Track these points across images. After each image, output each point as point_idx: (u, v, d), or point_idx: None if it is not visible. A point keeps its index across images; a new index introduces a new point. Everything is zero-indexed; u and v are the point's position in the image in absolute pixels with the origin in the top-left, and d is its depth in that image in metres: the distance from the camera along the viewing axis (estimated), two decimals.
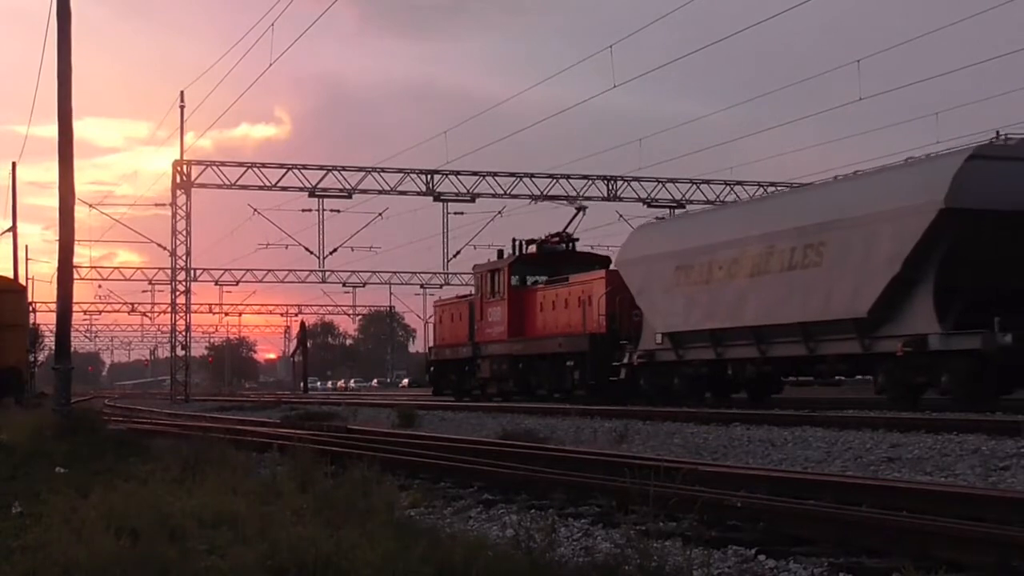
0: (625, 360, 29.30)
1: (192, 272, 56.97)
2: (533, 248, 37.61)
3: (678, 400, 26.64)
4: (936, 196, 20.00)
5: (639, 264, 29.25)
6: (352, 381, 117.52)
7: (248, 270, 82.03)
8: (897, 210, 20.94)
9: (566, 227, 38.49)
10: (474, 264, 42.34)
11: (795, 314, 23.32)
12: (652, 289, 28.44)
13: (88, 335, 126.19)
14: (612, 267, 32.32)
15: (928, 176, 20.82)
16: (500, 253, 39.22)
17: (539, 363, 34.99)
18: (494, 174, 52.71)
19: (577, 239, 38.31)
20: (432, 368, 43.86)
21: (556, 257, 36.61)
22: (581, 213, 38.90)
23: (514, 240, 38.39)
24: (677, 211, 50.83)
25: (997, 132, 21.04)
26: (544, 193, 53.19)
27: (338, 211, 55.14)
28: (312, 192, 51.23)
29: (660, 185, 53.92)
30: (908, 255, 20.64)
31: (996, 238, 19.81)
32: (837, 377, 25.12)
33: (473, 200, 53.30)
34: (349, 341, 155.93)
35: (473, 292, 40.15)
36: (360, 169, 51.70)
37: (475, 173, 52.51)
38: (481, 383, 38.79)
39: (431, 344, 47.29)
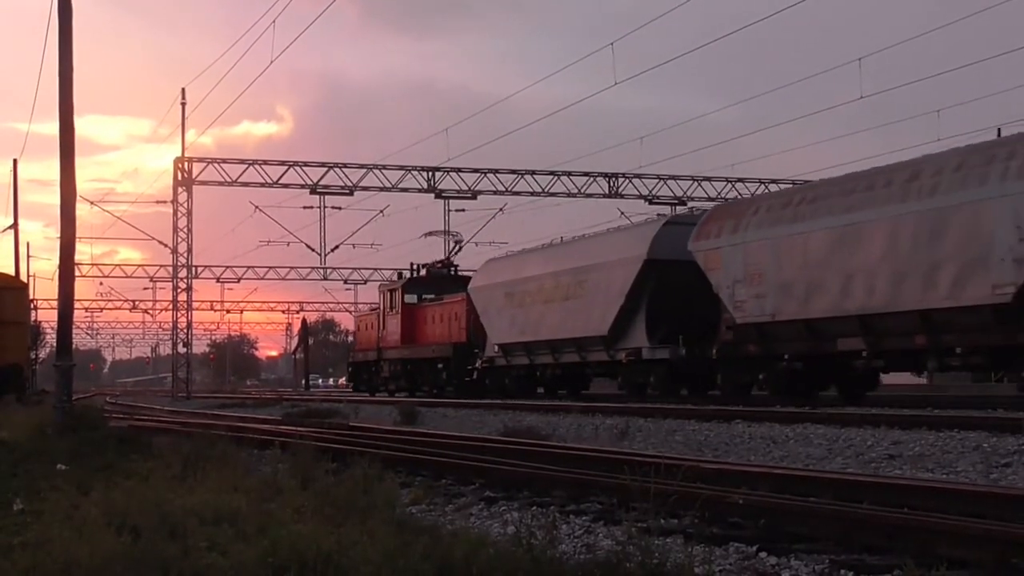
0: (476, 364, 37.66)
1: (193, 269, 56.91)
2: (424, 272, 46.37)
3: (512, 394, 33.71)
4: (642, 251, 28.67)
5: (483, 291, 37.60)
6: None
7: (249, 267, 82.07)
8: (622, 259, 29.45)
9: (448, 255, 47.85)
10: (380, 283, 51.66)
11: (571, 331, 31.54)
12: (490, 310, 36.67)
13: (89, 332, 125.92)
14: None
15: (640, 236, 29.54)
16: (399, 274, 48.17)
17: (421, 365, 43.33)
18: (495, 171, 52.69)
19: (457, 265, 47.69)
20: (351, 368, 53.19)
21: (441, 280, 44.97)
22: (458, 246, 48.76)
23: (411, 264, 47.53)
24: (678, 207, 50.92)
25: (999, 131, 21.02)
26: (546, 190, 53.20)
27: (339, 208, 55.04)
28: (313, 189, 51.21)
29: (661, 182, 53.92)
30: (628, 291, 28.84)
31: (681, 280, 26.91)
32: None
33: (474, 197, 53.28)
34: (350, 338, 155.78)
35: (380, 306, 48.02)
36: (361, 166, 51.69)
37: (476, 170, 52.49)
38: (383, 381, 47.34)
39: (352, 348, 55.55)
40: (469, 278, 41.88)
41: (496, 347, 36.06)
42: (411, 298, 44.58)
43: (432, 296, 43.84)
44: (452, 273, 45.84)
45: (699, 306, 26.06)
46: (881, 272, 21.16)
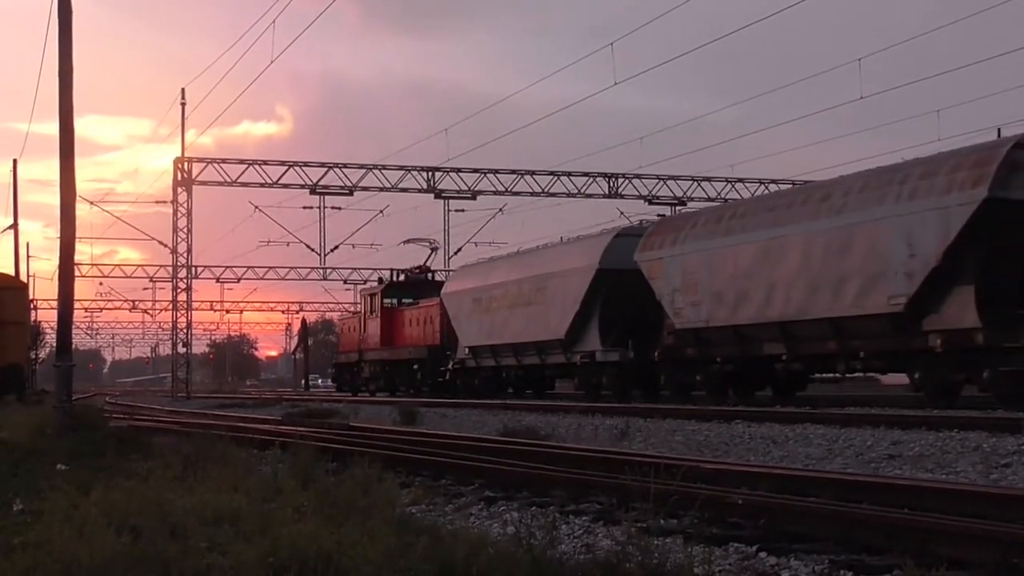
0: (449, 365, 39.93)
1: (193, 269, 56.88)
2: (403, 277, 48.74)
3: (481, 394, 35.40)
4: (595, 261, 30.90)
5: (454, 296, 39.85)
6: None
7: (249, 267, 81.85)
8: (577, 268, 31.66)
9: (425, 262, 49.70)
10: (360, 288, 54.65)
11: (532, 335, 33.75)
12: (460, 315, 38.88)
13: (89, 332, 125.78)
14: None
15: (593, 247, 31.67)
16: (380, 280, 50.79)
17: (399, 366, 45.54)
18: (495, 171, 52.71)
19: (433, 271, 49.80)
20: (335, 369, 56.35)
21: (418, 284, 47.04)
22: (434, 252, 50.73)
23: (391, 270, 50.74)
24: (678, 208, 50.98)
25: (999, 130, 21.06)
26: (545, 190, 53.19)
27: (339, 208, 55.05)
28: (313, 189, 51.22)
29: (661, 183, 53.91)
30: (583, 298, 31.01)
31: (630, 288, 28.68)
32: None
33: (474, 197, 53.32)
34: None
35: (362, 310, 50.46)
36: (361, 166, 51.69)
37: (476, 170, 52.51)
38: (364, 381, 49.54)
39: (336, 350, 58.15)
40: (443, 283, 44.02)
41: (466, 349, 38.33)
42: (390, 302, 47.02)
43: (410, 300, 46.10)
44: (428, 278, 48.02)
45: (646, 312, 28.18)
46: (798, 283, 23.35)
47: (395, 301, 46.98)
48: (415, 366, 43.64)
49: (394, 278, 49.38)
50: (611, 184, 53.65)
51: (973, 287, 19.68)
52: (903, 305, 20.64)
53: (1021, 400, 18.41)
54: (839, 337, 22.45)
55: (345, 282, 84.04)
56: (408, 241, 51.88)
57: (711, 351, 26.04)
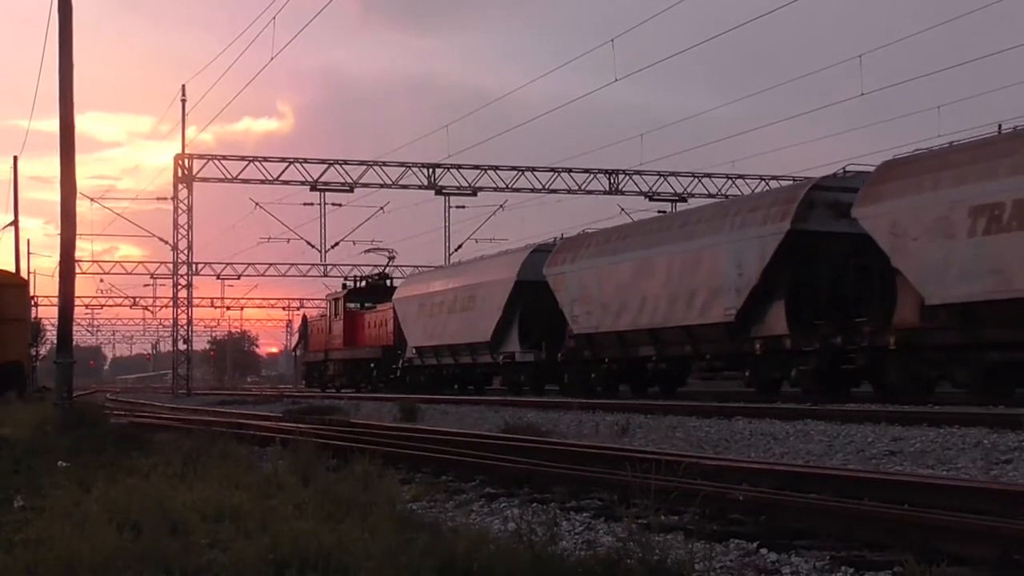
0: (399, 364, 44.88)
1: (194, 266, 56.83)
2: (364, 283, 53.58)
3: (427, 391, 38.75)
4: (513, 273, 35.47)
5: (404, 302, 44.47)
6: None
7: (250, 264, 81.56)
8: (500, 280, 36.15)
9: (384, 268, 55.19)
10: (327, 293, 58.86)
11: (465, 338, 38.23)
12: (408, 319, 43.55)
13: (90, 329, 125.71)
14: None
15: (514, 261, 36.23)
16: (344, 285, 55.18)
17: (359, 364, 50.39)
18: (496, 168, 52.69)
19: (391, 277, 54.27)
20: (305, 367, 61.62)
21: (377, 290, 51.66)
22: (391, 260, 56.10)
23: (355, 277, 56.28)
24: (679, 204, 50.99)
25: (999, 125, 21.07)
26: (546, 187, 53.15)
27: (340, 205, 55.07)
28: (314, 186, 51.21)
29: (662, 179, 53.87)
30: (504, 305, 35.55)
31: (544, 298, 32.84)
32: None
33: (475, 194, 53.30)
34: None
35: (328, 313, 55.00)
36: (362, 163, 51.68)
37: (477, 167, 52.49)
38: (330, 378, 54.39)
39: (306, 350, 62.38)
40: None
41: (413, 350, 43.08)
42: (353, 306, 51.62)
43: (370, 305, 50.66)
44: (387, 284, 52.16)
45: (557, 319, 32.29)
46: (662, 296, 27.59)
47: (358, 305, 51.37)
48: (372, 364, 48.48)
49: (357, 284, 54.16)
50: (612, 180, 53.62)
51: (784, 301, 24.03)
52: (734, 316, 24.98)
53: (819, 394, 22.52)
54: (692, 342, 26.81)
55: (345, 279, 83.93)
56: (369, 250, 56.52)
57: (601, 353, 30.49)
